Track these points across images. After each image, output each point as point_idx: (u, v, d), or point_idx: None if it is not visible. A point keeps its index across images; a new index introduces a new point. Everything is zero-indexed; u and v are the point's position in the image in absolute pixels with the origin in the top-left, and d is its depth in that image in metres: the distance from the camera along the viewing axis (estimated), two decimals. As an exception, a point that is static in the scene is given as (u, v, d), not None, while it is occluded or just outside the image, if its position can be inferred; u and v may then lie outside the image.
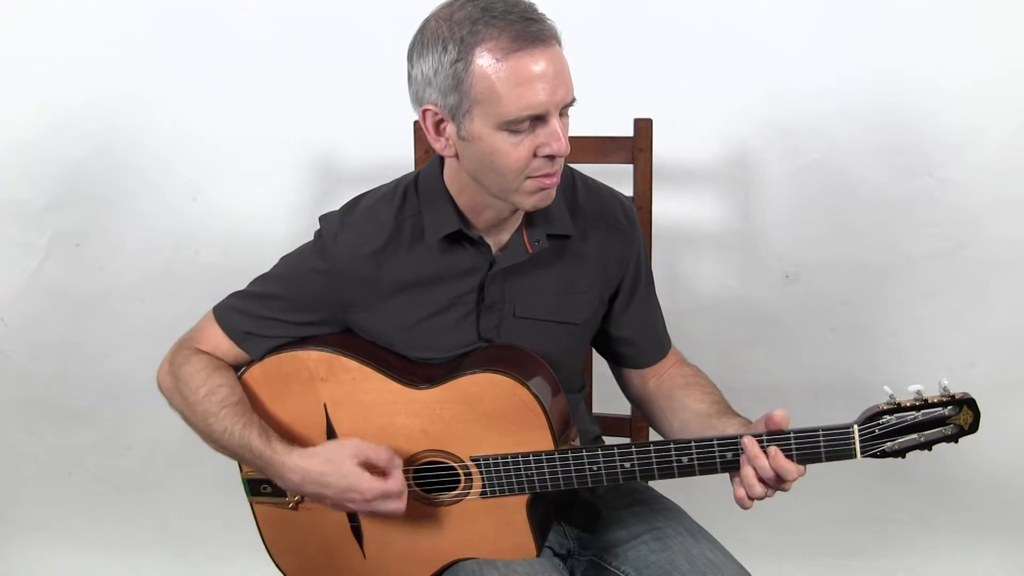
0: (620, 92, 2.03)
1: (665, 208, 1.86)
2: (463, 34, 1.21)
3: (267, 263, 1.49)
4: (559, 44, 1.25)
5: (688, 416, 1.45)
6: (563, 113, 1.27)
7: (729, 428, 1.35)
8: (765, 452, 1.25)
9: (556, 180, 1.30)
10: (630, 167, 1.75)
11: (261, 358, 1.44)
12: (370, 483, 1.34)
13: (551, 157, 1.26)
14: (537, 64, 1.21)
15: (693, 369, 1.55)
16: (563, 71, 1.24)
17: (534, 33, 1.21)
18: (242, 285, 1.49)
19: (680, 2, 2.08)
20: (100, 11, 2.18)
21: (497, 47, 1.20)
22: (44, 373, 2.38)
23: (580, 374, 1.57)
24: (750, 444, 1.26)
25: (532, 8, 1.24)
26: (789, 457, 1.25)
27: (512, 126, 1.23)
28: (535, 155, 1.26)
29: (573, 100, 1.27)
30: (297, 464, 1.36)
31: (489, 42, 1.21)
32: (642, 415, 1.60)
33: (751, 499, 1.28)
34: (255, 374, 1.45)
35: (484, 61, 1.21)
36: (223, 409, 1.39)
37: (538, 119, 1.24)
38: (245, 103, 2.20)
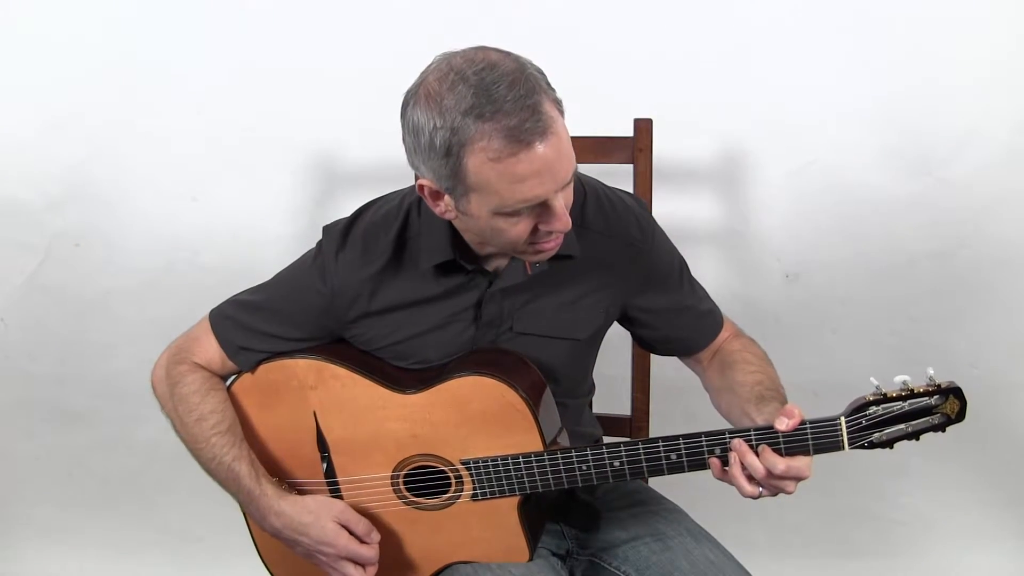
0: (620, 92, 2.03)
1: (665, 208, 1.85)
2: (455, 125, 1.14)
3: (267, 264, 1.49)
4: (560, 113, 1.19)
5: (731, 399, 1.43)
6: (566, 185, 1.22)
7: (760, 418, 1.33)
8: (755, 450, 1.25)
9: (558, 243, 1.28)
10: (630, 167, 1.75)
11: (251, 370, 1.45)
12: (346, 542, 1.38)
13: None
14: (533, 162, 1.15)
15: (742, 344, 1.51)
16: (561, 154, 1.18)
17: (529, 130, 1.14)
18: (242, 286, 1.49)
19: (680, 2, 2.08)
20: (100, 11, 2.18)
21: (491, 147, 1.14)
22: (44, 373, 2.38)
23: (585, 383, 1.57)
24: (738, 444, 1.25)
25: (528, 85, 1.15)
26: (777, 451, 1.24)
27: (510, 213, 1.20)
28: (536, 228, 1.24)
29: (575, 170, 1.22)
30: (283, 510, 1.39)
31: (482, 140, 1.14)
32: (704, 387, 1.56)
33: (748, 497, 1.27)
34: (244, 383, 1.45)
35: (478, 159, 1.15)
36: (213, 436, 1.40)
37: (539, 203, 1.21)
38: (245, 103, 2.20)
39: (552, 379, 1.41)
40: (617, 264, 1.42)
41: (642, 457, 1.30)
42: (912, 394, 1.24)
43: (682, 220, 2.14)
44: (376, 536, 1.40)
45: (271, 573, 1.55)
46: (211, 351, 1.46)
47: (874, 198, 2.12)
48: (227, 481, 1.41)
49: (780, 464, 1.23)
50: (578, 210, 1.39)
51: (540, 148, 1.15)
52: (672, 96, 2.06)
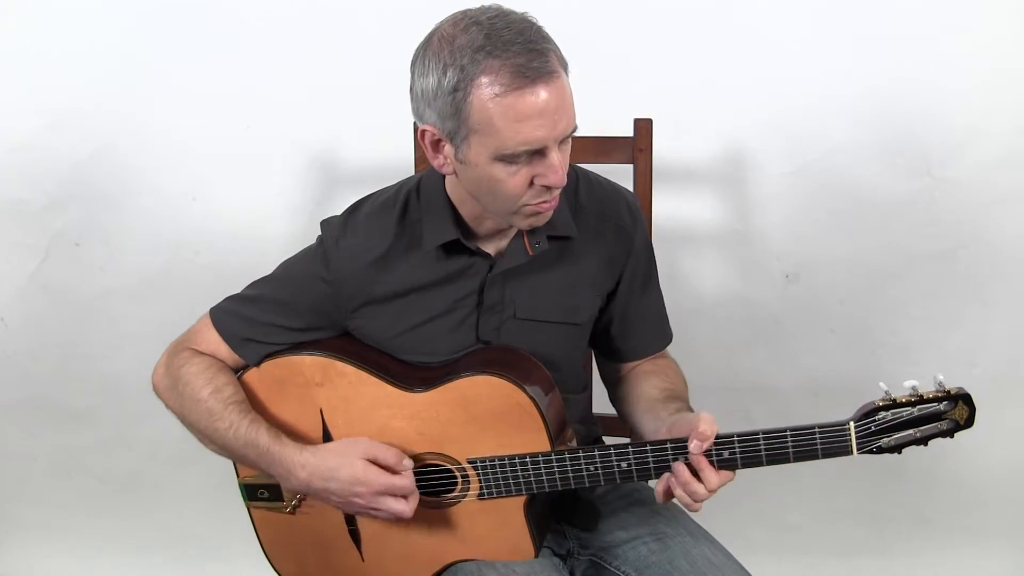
0: (620, 92, 2.03)
1: (665, 208, 1.86)
2: (464, 62, 1.19)
3: (267, 263, 1.49)
4: (565, 71, 1.23)
5: (639, 402, 1.48)
6: (564, 142, 1.26)
7: (663, 413, 1.38)
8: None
9: (553, 204, 1.30)
10: (630, 167, 1.76)
11: (257, 364, 1.44)
12: (378, 476, 1.34)
13: (548, 187, 1.27)
14: (537, 101, 1.19)
15: (667, 361, 1.56)
16: (564, 104, 1.22)
17: (536, 69, 1.19)
18: (242, 286, 1.49)
19: (681, 3, 2.08)
20: (100, 11, 2.18)
21: (497, 81, 1.18)
22: (44, 373, 2.37)
23: (582, 374, 1.57)
24: (681, 470, 1.28)
25: (539, 34, 1.22)
26: (785, 456, 1.26)
27: (509, 158, 1.23)
28: (532, 183, 1.26)
29: (575, 128, 1.26)
30: (308, 460, 1.36)
31: (489, 75, 1.18)
32: (610, 398, 1.60)
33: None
34: (249, 380, 1.45)
35: (483, 94, 1.19)
36: (229, 406, 1.39)
37: (536, 151, 1.23)
38: (245, 103, 2.20)
39: (553, 367, 1.42)
40: (610, 245, 1.45)
41: (650, 459, 1.31)
42: (921, 399, 1.24)
43: (682, 220, 2.15)
44: (408, 463, 1.36)
45: (275, 569, 1.55)
46: (213, 344, 1.45)
47: (874, 198, 2.12)
48: (245, 447, 1.38)
49: (715, 480, 1.26)
50: (572, 193, 1.43)
51: (543, 90, 1.19)
52: (672, 96, 2.06)
